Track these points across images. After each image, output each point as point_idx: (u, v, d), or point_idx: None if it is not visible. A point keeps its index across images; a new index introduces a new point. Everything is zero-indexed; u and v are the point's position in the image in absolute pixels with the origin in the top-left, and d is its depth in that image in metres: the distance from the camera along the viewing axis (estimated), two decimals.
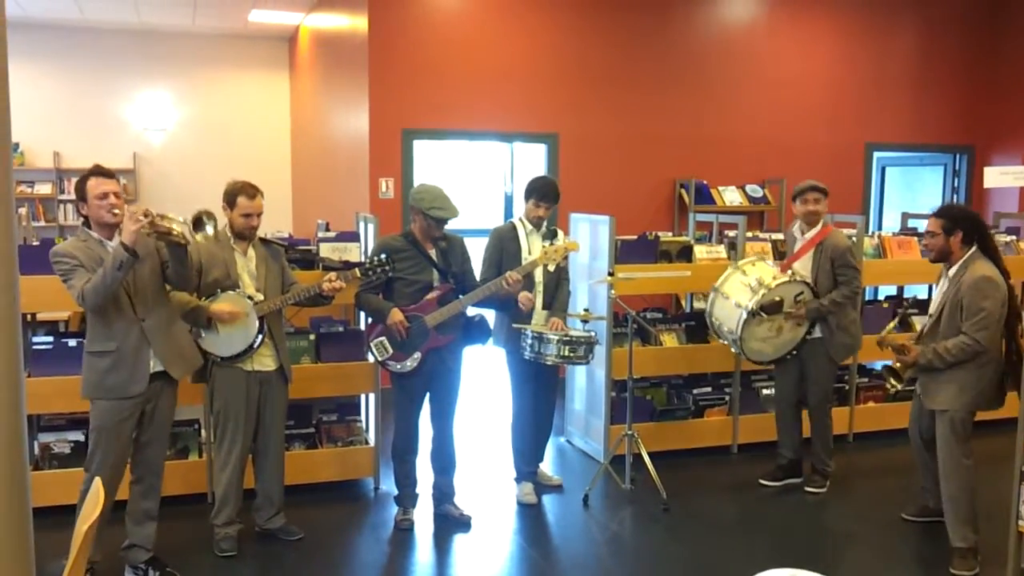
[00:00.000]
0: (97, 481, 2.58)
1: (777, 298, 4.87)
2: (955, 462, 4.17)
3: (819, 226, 5.07)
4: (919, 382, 4.37)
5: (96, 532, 3.61)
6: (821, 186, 5.06)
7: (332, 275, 4.25)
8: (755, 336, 4.93)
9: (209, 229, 3.82)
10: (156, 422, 3.91)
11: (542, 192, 4.89)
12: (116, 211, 3.72)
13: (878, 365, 6.74)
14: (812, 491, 5.17)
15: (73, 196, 10.72)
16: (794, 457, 5.30)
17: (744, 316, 4.84)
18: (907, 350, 4.27)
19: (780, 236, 6.08)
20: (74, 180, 11.83)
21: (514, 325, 4.76)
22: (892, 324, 4.73)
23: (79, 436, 4.70)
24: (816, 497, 5.13)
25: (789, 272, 4.99)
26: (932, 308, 4.38)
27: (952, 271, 4.23)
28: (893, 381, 4.38)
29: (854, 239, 5.99)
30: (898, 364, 4.31)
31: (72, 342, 4.63)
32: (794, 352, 5.06)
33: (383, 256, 4.31)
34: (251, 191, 4.18)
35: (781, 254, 5.68)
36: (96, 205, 3.71)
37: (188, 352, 4.02)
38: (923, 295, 7.03)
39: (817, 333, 5.06)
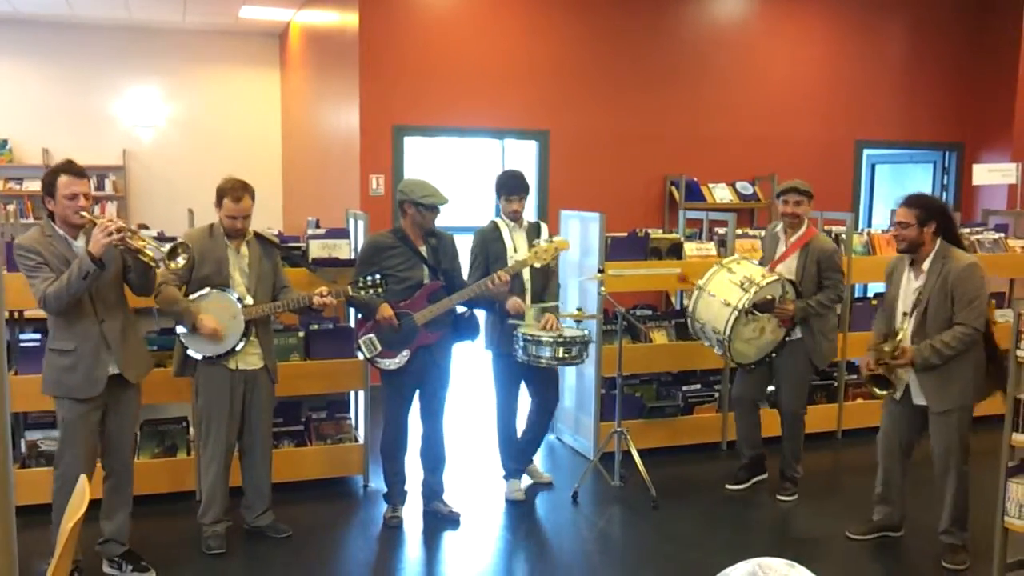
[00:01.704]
0: (83, 479, 2.57)
1: (769, 296, 4.77)
2: (958, 468, 4.13)
3: (803, 228, 4.96)
4: (914, 385, 4.22)
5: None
6: (802, 188, 4.91)
7: (324, 289, 4.21)
8: (740, 337, 4.79)
9: (181, 260, 3.73)
10: (120, 423, 3.90)
11: (509, 187, 4.85)
12: (84, 214, 3.66)
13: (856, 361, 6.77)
14: (783, 499, 5.04)
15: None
16: (756, 454, 5.21)
17: (735, 315, 4.69)
18: (902, 352, 4.14)
19: None
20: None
21: (510, 321, 4.74)
22: (900, 335, 4.51)
23: None
24: (787, 505, 5.00)
25: (777, 272, 4.92)
26: (906, 306, 4.22)
27: (926, 264, 4.13)
28: (878, 390, 4.29)
29: (843, 236, 6.01)
30: (880, 369, 4.19)
31: None
32: (773, 355, 4.94)
33: (377, 277, 4.26)
34: (237, 193, 4.12)
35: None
36: (64, 205, 3.64)
37: (144, 356, 4.02)
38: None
39: (797, 335, 4.93)
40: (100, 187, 10.63)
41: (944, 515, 4.21)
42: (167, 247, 3.71)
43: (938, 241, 4.15)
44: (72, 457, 3.76)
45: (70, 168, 3.68)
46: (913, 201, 4.19)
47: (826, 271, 4.89)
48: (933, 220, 4.11)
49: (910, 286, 4.22)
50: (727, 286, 4.83)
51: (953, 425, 4.12)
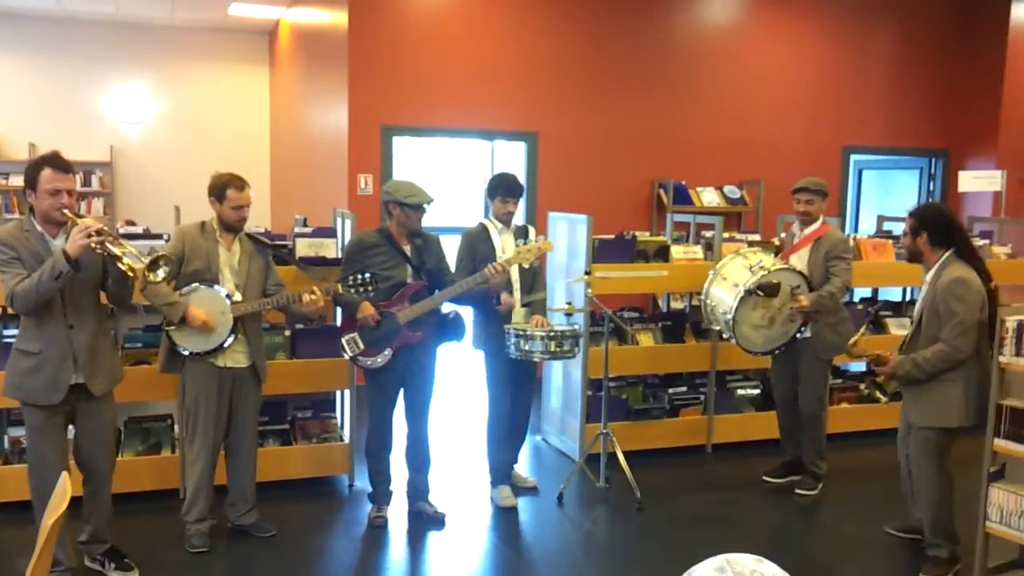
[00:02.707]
0: (64, 476, 2.55)
1: (775, 280, 4.82)
2: (929, 479, 4.09)
3: (817, 223, 5.07)
4: (903, 394, 4.23)
5: (65, 537, 3.60)
6: (813, 187, 5.03)
7: (315, 287, 4.19)
8: (748, 321, 4.88)
9: (161, 274, 3.62)
10: (89, 433, 3.75)
11: (508, 188, 4.85)
12: (66, 211, 3.51)
13: (852, 367, 6.80)
14: (803, 492, 5.16)
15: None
16: (796, 455, 5.30)
17: (741, 294, 4.80)
18: (883, 360, 4.14)
19: (757, 237, 6.12)
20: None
21: (506, 326, 4.74)
22: (861, 331, 4.57)
23: None
24: (806, 498, 5.12)
25: (789, 262, 5.02)
26: (914, 315, 4.24)
27: (929, 275, 4.12)
28: (879, 394, 4.29)
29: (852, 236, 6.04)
30: (879, 377, 4.21)
31: None
32: (783, 348, 5.02)
33: (367, 275, 4.25)
34: (239, 183, 4.14)
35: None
36: (47, 201, 3.49)
37: (113, 367, 3.83)
38: (897, 298, 7.10)
39: (807, 333, 5.01)
40: (87, 183, 10.57)
41: (925, 526, 4.19)
42: (147, 258, 3.59)
43: (945, 253, 4.08)
44: (39, 462, 3.63)
45: (55, 161, 3.51)
46: (912, 211, 4.21)
47: (832, 259, 4.94)
48: (924, 231, 4.09)
49: (920, 297, 4.22)
50: (739, 270, 5.01)
51: (923, 439, 4.08)
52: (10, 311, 5.35)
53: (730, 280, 4.97)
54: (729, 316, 4.86)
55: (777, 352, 5.08)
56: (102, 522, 3.91)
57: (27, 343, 3.59)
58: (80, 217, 3.55)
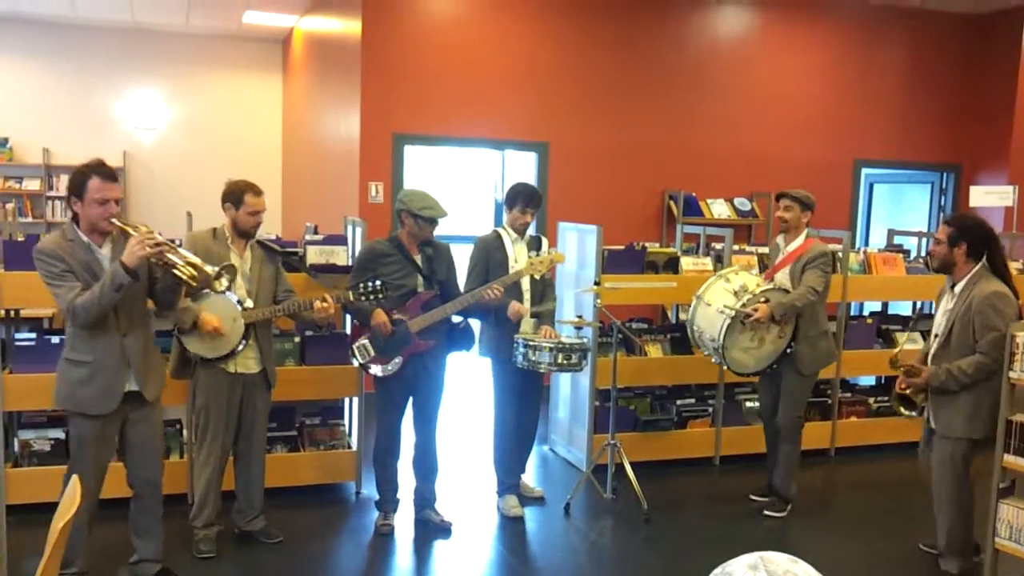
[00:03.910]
0: (74, 479, 2.57)
1: (763, 300, 4.74)
2: (951, 494, 4.07)
3: (802, 238, 4.94)
4: (930, 407, 4.19)
5: (80, 539, 3.60)
6: (793, 194, 4.91)
7: (327, 295, 4.20)
8: (737, 345, 4.80)
9: (224, 282, 3.68)
10: (141, 440, 3.74)
11: (528, 198, 4.84)
12: (114, 220, 3.50)
13: (861, 380, 6.79)
14: (771, 515, 5.00)
15: (64, 192, 10.75)
16: None
17: (728, 321, 4.70)
18: (917, 371, 4.10)
19: (766, 250, 6.11)
20: (64, 176, 11.63)
21: (515, 336, 4.73)
22: (904, 339, 4.51)
23: (59, 434, 4.68)
24: (774, 522, 4.95)
25: (771, 281, 4.94)
26: (937, 328, 4.19)
27: (959, 287, 4.08)
28: (904, 409, 4.24)
29: (840, 255, 6.03)
30: (907, 388, 4.14)
31: (55, 339, 4.60)
32: (774, 366, 4.95)
33: (379, 283, 4.26)
34: (256, 189, 4.18)
35: (766, 267, 5.66)
36: (95, 210, 3.46)
37: (162, 372, 3.86)
38: (907, 312, 7.08)
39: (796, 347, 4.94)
40: None
41: (940, 538, 4.18)
42: (212, 268, 3.63)
43: (977, 265, 4.06)
44: (80, 473, 3.57)
45: (102, 170, 3.48)
46: (951, 219, 4.16)
47: (807, 266, 4.80)
48: (964, 241, 4.04)
49: (945, 307, 4.17)
50: (722, 294, 4.88)
51: (948, 451, 4.06)
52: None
53: (714, 306, 4.83)
54: (718, 344, 4.76)
55: (768, 371, 4.97)
56: (158, 538, 3.88)
57: (79, 353, 3.55)
58: (131, 227, 3.53)
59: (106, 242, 3.57)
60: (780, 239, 5.12)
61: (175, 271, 3.56)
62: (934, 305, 4.44)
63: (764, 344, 4.86)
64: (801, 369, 4.92)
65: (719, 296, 4.88)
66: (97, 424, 3.59)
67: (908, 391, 4.16)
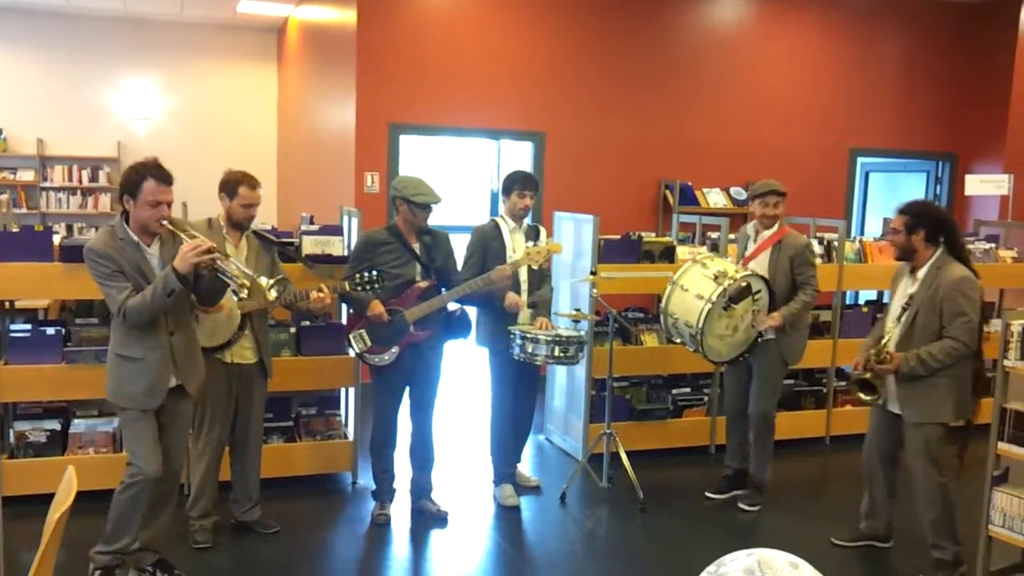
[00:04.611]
0: (70, 470, 2.56)
1: (744, 284, 4.69)
2: (932, 481, 4.07)
3: (776, 227, 4.96)
4: (894, 393, 4.18)
5: (132, 515, 3.60)
6: (781, 189, 4.94)
7: (323, 286, 4.18)
8: (713, 332, 4.70)
9: (275, 293, 3.76)
10: (176, 432, 3.79)
11: (525, 181, 4.86)
12: (165, 223, 3.54)
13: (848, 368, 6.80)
14: (746, 508, 4.98)
15: (57, 184, 10.81)
16: (741, 468, 5.16)
17: (708, 308, 4.59)
18: (889, 357, 4.09)
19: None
20: (58, 167, 11.57)
21: (511, 327, 4.74)
22: (892, 333, 4.25)
23: (55, 425, 4.69)
24: (750, 515, 4.93)
25: (749, 268, 4.90)
26: (896, 313, 4.19)
27: (921, 273, 4.09)
28: (864, 395, 4.24)
29: (835, 243, 6.04)
30: (869, 375, 4.14)
31: (50, 330, 4.61)
32: (746, 354, 4.88)
33: (374, 273, 4.25)
34: (252, 181, 4.17)
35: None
36: (147, 212, 3.49)
37: (201, 367, 3.88)
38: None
39: (770, 335, 4.88)
40: (94, 179, 10.59)
41: (927, 528, 4.18)
42: (266, 281, 3.72)
43: (937, 251, 4.08)
44: (142, 452, 3.61)
45: (158, 173, 3.51)
46: (905, 208, 4.18)
47: (799, 267, 4.86)
48: (922, 227, 4.07)
49: (905, 292, 4.18)
50: (701, 280, 4.74)
51: (922, 439, 4.06)
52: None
53: (692, 292, 4.72)
54: (696, 330, 4.66)
55: (741, 359, 4.91)
56: (163, 527, 3.91)
57: (129, 349, 3.59)
58: (181, 231, 3.59)
59: (154, 242, 3.60)
60: (750, 227, 5.10)
61: (224, 278, 3.58)
62: (890, 291, 4.41)
63: (737, 332, 4.79)
64: (789, 359, 4.95)
65: (697, 282, 4.76)
66: (143, 414, 3.63)
67: (869, 376, 4.15)
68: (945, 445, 4.09)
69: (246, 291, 3.61)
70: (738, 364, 4.97)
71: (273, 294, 3.75)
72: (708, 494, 5.17)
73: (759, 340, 4.86)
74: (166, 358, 3.62)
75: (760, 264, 4.94)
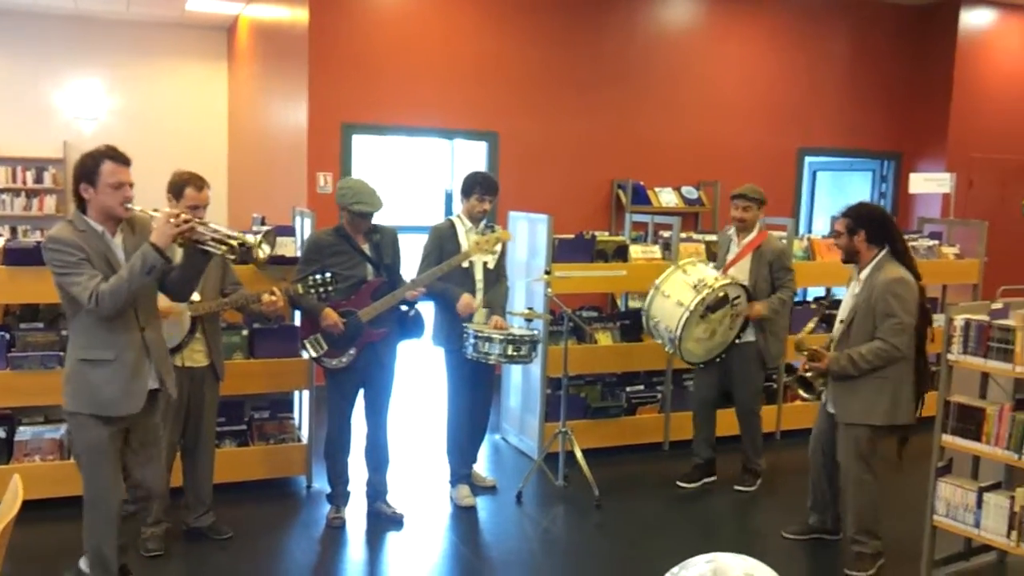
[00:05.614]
0: (16, 479, 2.51)
1: (721, 294, 4.85)
2: (856, 478, 4.13)
3: (755, 231, 5.15)
4: (829, 393, 4.26)
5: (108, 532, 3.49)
6: (751, 195, 5.09)
7: (275, 288, 4.14)
8: (691, 336, 4.91)
9: (267, 249, 3.43)
10: (149, 441, 3.56)
11: (486, 185, 4.89)
12: (129, 205, 3.30)
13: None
14: (743, 489, 5.27)
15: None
16: (710, 456, 5.36)
17: (687, 316, 4.78)
18: (819, 356, 4.16)
19: (714, 238, 6.19)
20: (3, 168, 11.26)
21: (464, 324, 4.75)
22: (811, 325, 4.61)
23: (0, 433, 4.58)
24: (746, 495, 5.23)
25: (729, 275, 5.04)
26: (842, 313, 4.27)
27: (863, 274, 4.15)
28: (804, 392, 4.32)
29: (784, 240, 6.14)
30: (809, 372, 4.21)
31: (6, 335, 4.49)
32: (722, 356, 5.09)
33: (327, 275, 4.23)
34: (199, 182, 4.07)
35: (714, 255, 5.75)
36: (109, 194, 3.26)
37: (171, 366, 3.67)
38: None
39: (749, 337, 5.10)
40: (39, 180, 10.36)
41: (848, 522, 4.25)
42: (253, 237, 3.39)
43: (881, 252, 4.13)
44: (104, 481, 3.36)
45: (115, 154, 3.29)
46: (847, 210, 4.25)
47: (778, 271, 5.10)
48: (861, 229, 4.14)
49: (852, 293, 4.25)
50: (681, 287, 4.96)
51: (851, 438, 4.12)
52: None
53: (673, 298, 4.92)
54: (675, 335, 4.88)
55: (717, 360, 5.12)
56: (132, 541, 3.80)
57: (96, 351, 3.30)
58: (148, 212, 3.37)
59: (117, 231, 3.38)
60: (732, 231, 5.24)
61: (206, 247, 3.33)
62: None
63: (715, 336, 5.01)
64: (768, 361, 5.23)
65: (678, 288, 4.96)
66: (109, 430, 3.35)
67: (809, 374, 4.23)
68: (877, 444, 4.13)
69: (234, 255, 3.38)
70: (713, 364, 5.16)
71: (266, 249, 3.44)
72: (679, 483, 5.32)
73: (737, 342, 5.07)
74: (141, 356, 3.36)
75: (741, 270, 5.12)
